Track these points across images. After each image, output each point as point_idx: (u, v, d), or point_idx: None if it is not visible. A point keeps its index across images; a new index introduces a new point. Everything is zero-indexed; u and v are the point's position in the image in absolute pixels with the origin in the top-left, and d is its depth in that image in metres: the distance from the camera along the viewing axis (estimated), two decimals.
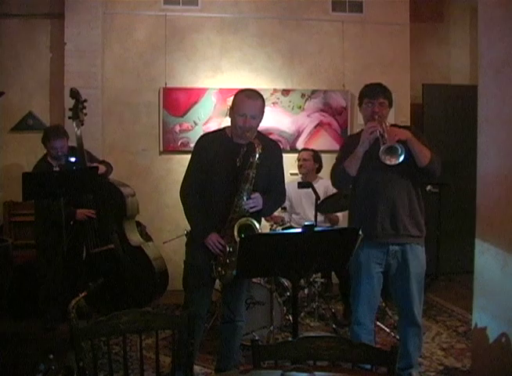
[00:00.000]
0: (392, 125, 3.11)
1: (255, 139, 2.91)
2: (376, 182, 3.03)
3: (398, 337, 3.97)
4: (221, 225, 2.95)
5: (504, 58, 2.99)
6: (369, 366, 2.00)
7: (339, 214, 4.73)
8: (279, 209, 3.92)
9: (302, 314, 4.42)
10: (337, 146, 5.83)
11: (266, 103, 3.07)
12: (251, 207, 2.90)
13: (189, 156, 3.15)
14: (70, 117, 4.29)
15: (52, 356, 3.17)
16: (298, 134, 5.81)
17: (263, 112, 2.99)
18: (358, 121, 5.91)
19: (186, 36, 5.65)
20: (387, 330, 4.14)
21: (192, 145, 3.65)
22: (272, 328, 3.84)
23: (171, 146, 5.60)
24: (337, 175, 3.16)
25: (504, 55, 2.99)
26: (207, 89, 5.61)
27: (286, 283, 4.15)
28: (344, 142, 3.28)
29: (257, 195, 2.92)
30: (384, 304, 4.26)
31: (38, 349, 3.67)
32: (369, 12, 5.93)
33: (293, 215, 4.91)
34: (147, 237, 4.99)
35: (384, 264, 3.11)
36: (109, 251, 4.21)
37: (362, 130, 3.13)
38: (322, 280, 4.41)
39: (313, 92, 5.82)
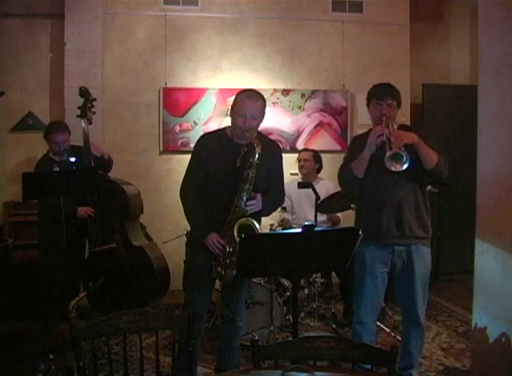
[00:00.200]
0: (401, 126, 3.11)
1: (255, 139, 2.91)
2: (383, 184, 3.02)
3: (398, 337, 3.98)
4: (220, 226, 2.95)
5: (504, 58, 2.99)
6: (369, 367, 2.00)
7: (339, 214, 4.73)
8: (279, 209, 3.92)
9: (302, 314, 4.42)
10: (337, 146, 5.85)
11: (266, 103, 3.07)
12: (251, 209, 2.90)
13: (189, 156, 3.15)
14: (78, 116, 4.30)
15: (52, 356, 3.17)
16: (298, 134, 5.81)
17: (264, 113, 2.99)
18: (358, 121, 5.92)
19: (186, 36, 5.65)
20: (387, 330, 4.13)
21: (192, 145, 3.66)
22: (272, 328, 3.84)
23: (171, 146, 5.60)
24: (344, 176, 3.16)
25: (504, 55, 2.99)
26: (207, 89, 5.61)
27: (286, 283, 4.15)
28: (351, 141, 3.28)
29: (257, 196, 2.92)
30: (384, 304, 4.25)
31: (38, 349, 3.67)
32: (369, 12, 5.93)
33: (294, 216, 4.91)
34: (147, 237, 4.98)
35: (389, 264, 3.11)
36: (110, 250, 4.21)
37: (370, 130, 3.13)
38: (322, 280, 4.41)
39: (313, 92, 5.82)
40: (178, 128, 5.59)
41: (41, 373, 2.98)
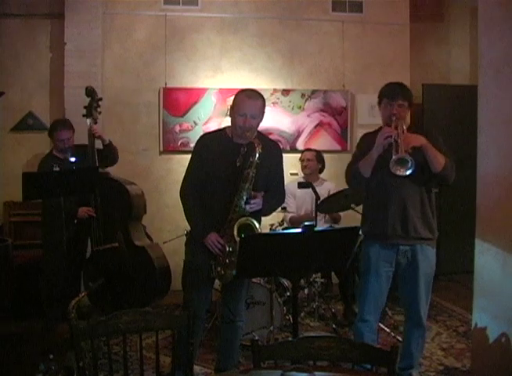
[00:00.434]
0: (411, 126, 3.11)
1: (255, 139, 2.91)
2: (389, 185, 3.02)
3: (398, 337, 3.99)
4: (220, 225, 2.95)
5: (504, 58, 2.99)
6: (369, 367, 2.00)
7: (340, 213, 4.73)
8: (279, 209, 3.92)
9: (302, 314, 4.42)
10: (337, 146, 5.86)
11: (266, 103, 3.07)
12: (251, 208, 2.90)
13: (189, 156, 3.15)
14: (84, 115, 4.30)
15: (52, 356, 3.17)
16: (298, 134, 5.81)
17: (263, 112, 3.00)
18: (358, 121, 5.92)
19: (186, 36, 5.65)
20: (387, 330, 4.14)
21: (192, 145, 3.66)
22: (272, 328, 3.84)
23: (171, 146, 5.60)
24: (350, 174, 3.18)
25: (504, 55, 2.99)
26: (207, 89, 5.61)
27: (286, 283, 4.15)
28: (360, 139, 3.29)
29: (258, 195, 2.92)
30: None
31: (38, 349, 3.67)
32: (369, 12, 5.93)
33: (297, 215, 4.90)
34: (147, 237, 4.98)
35: (393, 264, 3.11)
36: (113, 249, 4.21)
37: (380, 128, 3.14)
38: (322, 280, 4.41)
39: (313, 92, 5.82)
40: (178, 128, 5.59)
41: (41, 373, 2.97)
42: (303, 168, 4.94)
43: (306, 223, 2.30)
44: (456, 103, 5.97)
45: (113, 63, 5.54)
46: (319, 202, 4.27)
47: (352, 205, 4.30)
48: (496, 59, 3.05)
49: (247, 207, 2.89)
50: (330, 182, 4.90)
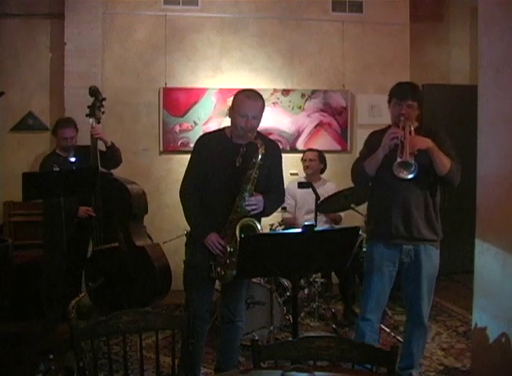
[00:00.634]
0: (420, 127, 3.10)
1: (258, 140, 2.91)
2: (393, 185, 3.01)
3: (398, 337, 3.99)
4: (221, 226, 2.95)
5: (504, 58, 2.99)
6: (369, 366, 2.00)
7: (340, 213, 4.73)
8: (280, 209, 3.92)
9: (302, 314, 4.42)
10: (337, 146, 5.85)
11: (266, 103, 3.08)
12: (252, 209, 2.90)
13: (189, 156, 3.15)
14: (87, 115, 4.30)
15: (52, 356, 3.16)
16: (298, 134, 5.81)
17: (263, 112, 3.00)
18: (358, 121, 5.92)
19: (186, 36, 5.65)
20: (387, 330, 4.13)
21: (192, 145, 3.65)
22: (272, 328, 3.84)
23: (171, 146, 5.60)
24: (356, 172, 3.19)
25: (504, 55, 2.99)
26: (207, 89, 5.61)
27: (286, 283, 4.15)
28: (368, 137, 3.29)
29: (258, 197, 2.92)
30: None
31: (38, 349, 3.67)
32: (369, 12, 5.93)
33: (306, 216, 4.88)
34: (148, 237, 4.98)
35: (397, 263, 3.12)
36: (113, 249, 4.21)
37: (389, 126, 3.15)
38: (322, 280, 4.41)
39: (313, 92, 5.82)
40: (178, 128, 5.59)
41: (41, 373, 2.97)
42: (305, 168, 4.94)
43: (306, 223, 2.30)
44: (456, 103, 5.97)
45: (113, 63, 5.54)
46: (319, 202, 4.27)
47: (352, 205, 4.30)
48: (496, 59, 3.05)
49: (249, 208, 2.89)
50: (332, 183, 4.90)
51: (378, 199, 3.16)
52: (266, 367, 2.00)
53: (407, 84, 3.16)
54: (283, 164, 3.18)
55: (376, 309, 3.18)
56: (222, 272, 2.93)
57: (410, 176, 2.86)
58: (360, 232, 2.37)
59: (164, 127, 5.57)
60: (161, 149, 5.60)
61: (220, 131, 3.12)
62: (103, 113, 4.40)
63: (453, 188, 3.06)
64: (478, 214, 3.21)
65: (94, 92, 4.32)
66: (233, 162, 2.96)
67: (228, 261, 2.90)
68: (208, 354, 3.74)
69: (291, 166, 5.31)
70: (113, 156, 4.35)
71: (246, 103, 2.91)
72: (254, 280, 3.77)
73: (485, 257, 3.14)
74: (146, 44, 5.59)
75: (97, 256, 4.21)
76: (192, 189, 3.06)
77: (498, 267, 3.04)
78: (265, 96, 3.08)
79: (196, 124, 5.59)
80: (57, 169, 3.78)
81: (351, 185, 4.13)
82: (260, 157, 2.88)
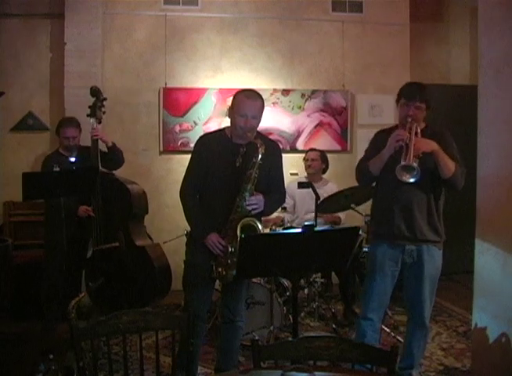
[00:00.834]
0: (427, 128, 3.10)
1: (258, 140, 2.91)
2: (396, 186, 3.00)
3: (398, 337, 3.99)
4: (221, 226, 2.95)
5: (504, 58, 2.99)
6: (369, 366, 2.00)
7: (340, 214, 4.73)
8: (279, 209, 3.92)
9: (302, 314, 4.42)
10: (337, 146, 5.86)
11: (266, 103, 3.08)
12: (253, 209, 2.90)
13: (189, 156, 3.15)
14: (88, 115, 4.30)
15: (52, 356, 3.17)
16: (298, 134, 5.81)
17: (262, 112, 3.00)
18: (358, 121, 5.92)
19: (186, 36, 5.65)
20: (388, 330, 4.13)
21: (192, 145, 3.66)
22: (272, 328, 3.84)
23: (171, 146, 5.60)
24: (360, 172, 3.18)
25: (504, 55, 2.99)
26: (207, 89, 5.61)
27: (286, 283, 4.14)
28: (374, 136, 3.28)
29: (259, 196, 2.92)
30: None
31: (38, 349, 3.67)
32: (369, 12, 5.93)
33: (295, 215, 4.90)
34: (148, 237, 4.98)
35: (399, 263, 3.12)
36: (113, 249, 4.21)
37: (396, 126, 3.15)
38: (322, 280, 4.41)
39: (313, 92, 5.82)
40: (178, 128, 5.59)
41: (41, 373, 2.98)
42: (307, 167, 4.94)
43: (306, 223, 2.30)
44: (456, 103, 5.97)
45: (113, 63, 5.54)
46: (319, 202, 4.27)
47: (352, 205, 4.30)
48: (496, 59, 3.05)
49: (249, 207, 2.89)
50: (333, 184, 4.90)
51: (382, 199, 3.16)
52: (266, 367, 2.00)
53: (416, 85, 3.14)
54: (283, 164, 3.19)
55: (378, 308, 3.18)
56: (224, 273, 2.93)
57: (412, 180, 2.86)
58: (360, 232, 2.37)
59: (164, 127, 5.57)
60: (161, 149, 5.60)
61: (220, 132, 3.12)
62: (104, 113, 4.40)
63: (457, 191, 3.05)
64: (478, 214, 3.21)
65: (95, 92, 4.32)
66: (233, 162, 2.96)
67: (229, 261, 2.90)
68: (208, 354, 3.74)
69: (291, 166, 5.31)
70: (114, 156, 4.35)
71: (245, 102, 2.91)
72: (254, 280, 3.77)
73: (485, 257, 3.14)
74: (146, 44, 5.59)
75: (97, 256, 4.20)
76: (192, 189, 3.06)
77: (498, 267, 3.04)
78: (264, 96, 3.08)
79: (196, 124, 5.59)
80: (57, 169, 3.78)
81: (351, 185, 4.15)
82: (260, 156, 2.88)
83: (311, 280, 4.35)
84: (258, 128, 3.05)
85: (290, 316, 3.96)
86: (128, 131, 5.54)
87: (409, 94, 3.06)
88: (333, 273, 4.85)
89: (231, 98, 3.05)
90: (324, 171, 4.99)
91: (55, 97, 5.42)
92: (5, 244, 3.91)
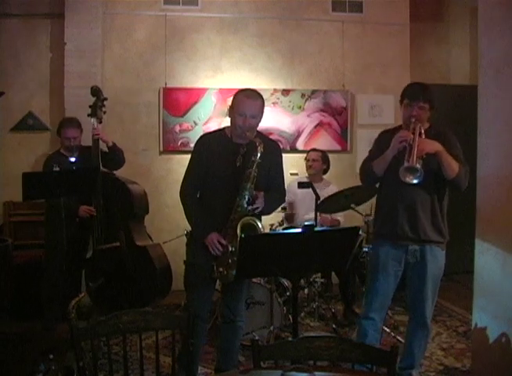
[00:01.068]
0: (431, 128, 3.10)
1: (256, 138, 2.91)
2: (400, 186, 3.00)
3: (398, 337, 3.99)
4: (221, 226, 2.95)
5: (504, 58, 2.99)
6: (369, 366, 2.00)
7: (340, 215, 4.72)
8: (279, 209, 3.92)
9: (302, 314, 4.42)
10: (337, 146, 5.85)
11: (266, 103, 3.08)
12: (255, 209, 2.90)
13: (189, 156, 3.15)
14: (89, 115, 4.30)
15: (52, 356, 3.17)
16: (298, 134, 5.81)
17: (262, 111, 3.00)
18: (358, 121, 5.92)
19: (186, 36, 5.65)
20: (388, 330, 4.13)
21: (192, 145, 3.66)
22: (272, 328, 3.84)
23: (171, 146, 5.60)
24: (364, 172, 3.19)
25: (504, 55, 2.99)
26: (207, 89, 5.61)
27: (286, 283, 4.14)
28: (378, 136, 3.28)
29: (259, 195, 2.92)
30: None
31: (38, 349, 3.67)
32: (369, 12, 5.93)
33: (306, 216, 4.88)
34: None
35: (402, 263, 3.12)
36: (114, 248, 4.21)
37: (400, 127, 3.14)
38: (322, 280, 4.41)
39: (313, 92, 5.82)
40: (178, 128, 5.59)
41: (41, 373, 2.98)
42: (308, 167, 4.94)
43: (306, 223, 2.30)
44: (456, 103, 5.96)
45: (113, 63, 5.54)
46: (319, 202, 4.27)
47: (352, 205, 4.30)
48: (496, 59, 3.05)
49: (249, 207, 2.88)
50: (334, 186, 4.89)
51: (385, 199, 3.16)
52: (266, 367, 2.00)
53: (419, 86, 3.14)
54: (283, 164, 3.18)
55: (380, 308, 3.18)
56: (225, 272, 2.93)
57: (415, 181, 2.85)
58: (360, 232, 2.37)
59: (164, 127, 5.57)
60: (161, 149, 5.60)
61: (220, 132, 3.12)
62: (105, 113, 4.40)
63: (460, 192, 3.04)
64: (478, 214, 3.21)
65: (96, 91, 4.32)
66: (234, 162, 2.96)
67: (230, 260, 2.90)
68: (208, 354, 3.74)
69: (291, 166, 5.31)
70: (115, 156, 4.35)
71: (244, 102, 2.91)
72: (254, 280, 3.77)
73: (485, 257, 3.14)
74: (146, 44, 5.59)
75: (98, 256, 4.20)
76: (192, 189, 3.06)
77: (498, 267, 3.03)
78: (265, 96, 3.08)
79: (196, 124, 5.59)
80: (57, 169, 3.78)
81: (351, 185, 4.16)
82: (259, 155, 2.88)
83: (311, 280, 4.35)
84: (258, 128, 3.05)
85: (290, 316, 3.96)
86: (127, 131, 5.54)
87: (412, 94, 3.06)
88: (333, 273, 4.85)
89: (231, 98, 3.05)
90: (325, 172, 4.99)
91: (55, 97, 5.42)
92: (5, 244, 3.91)
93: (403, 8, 5.98)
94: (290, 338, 2.85)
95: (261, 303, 3.87)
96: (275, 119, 5.69)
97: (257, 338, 2.75)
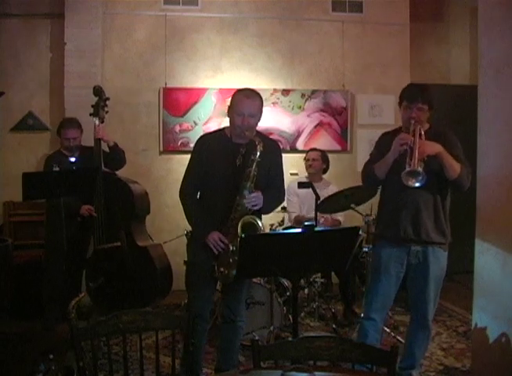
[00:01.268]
0: (431, 129, 3.09)
1: (256, 137, 2.92)
2: (402, 188, 2.98)
3: (398, 337, 3.99)
4: (222, 225, 2.95)
5: (504, 58, 2.98)
6: (369, 366, 2.00)
7: (340, 215, 4.72)
8: (280, 209, 3.92)
9: (302, 314, 4.42)
10: (337, 146, 5.86)
11: (266, 103, 3.08)
12: (253, 205, 2.90)
13: (188, 156, 3.15)
14: (91, 114, 4.30)
15: (52, 356, 3.17)
16: (298, 134, 5.81)
17: (261, 111, 3.00)
18: (358, 121, 5.92)
19: (186, 36, 5.65)
20: (388, 330, 4.13)
21: (192, 145, 3.66)
22: (272, 328, 3.84)
23: (171, 146, 5.60)
24: (366, 175, 3.18)
25: (504, 55, 2.99)
26: (207, 89, 5.61)
27: (286, 283, 4.14)
28: (379, 138, 3.28)
29: (258, 193, 2.92)
30: None
31: (38, 349, 3.67)
32: (369, 12, 5.93)
33: (308, 215, 4.88)
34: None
35: (404, 265, 3.11)
36: (115, 248, 4.21)
37: (400, 128, 3.14)
38: (322, 280, 4.41)
39: (313, 92, 5.82)
40: (178, 128, 5.59)
41: (41, 373, 2.98)
42: (307, 167, 4.94)
43: (306, 223, 2.30)
44: (456, 103, 5.96)
45: (113, 63, 5.54)
46: (319, 202, 4.27)
47: (352, 205, 4.29)
48: (496, 59, 3.05)
49: (249, 205, 2.88)
50: (334, 186, 4.90)
51: (388, 201, 3.16)
52: (266, 367, 2.00)
53: (417, 87, 3.13)
54: (283, 164, 3.18)
55: (382, 309, 3.17)
56: (226, 272, 2.93)
57: (418, 184, 2.85)
58: (360, 232, 2.37)
59: (164, 127, 5.57)
60: (161, 149, 5.60)
61: (220, 132, 3.13)
62: (107, 112, 4.39)
63: (462, 192, 3.04)
64: (478, 214, 3.21)
65: (98, 91, 4.32)
66: (234, 162, 2.96)
67: (231, 260, 2.90)
68: (209, 354, 3.74)
69: (291, 166, 5.31)
70: (116, 156, 4.35)
71: (243, 101, 2.92)
72: (254, 280, 3.77)
73: (485, 257, 3.14)
74: (146, 44, 5.59)
75: (99, 255, 4.20)
76: (191, 189, 3.06)
77: (498, 267, 3.03)
78: (264, 96, 3.09)
79: (196, 124, 5.59)
80: (57, 169, 3.78)
81: (351, 185, 4.16)
82: (258, 154, 2.88)
83: (311, 280, 4.35)
84: (258, 128, 3.05)
85: (290, 316, 3.96)
86: (128, 131, 5.54)
87: (410, 96, 3.05)
88: (333, 273, 4.85)
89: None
90: (325, 172, 4.99)
91: (55, 97, 5.42)
92: (5, 244, 3.91)
93: (403, 8, 5.98)
94: (290, 338, 2.85)
95: (261, 303, 3.87)
96: (275, 119, 5.69)
97: (257, 338, 2.76)
